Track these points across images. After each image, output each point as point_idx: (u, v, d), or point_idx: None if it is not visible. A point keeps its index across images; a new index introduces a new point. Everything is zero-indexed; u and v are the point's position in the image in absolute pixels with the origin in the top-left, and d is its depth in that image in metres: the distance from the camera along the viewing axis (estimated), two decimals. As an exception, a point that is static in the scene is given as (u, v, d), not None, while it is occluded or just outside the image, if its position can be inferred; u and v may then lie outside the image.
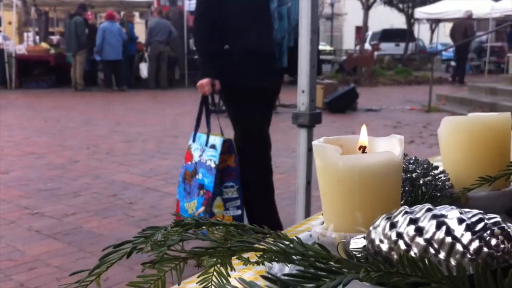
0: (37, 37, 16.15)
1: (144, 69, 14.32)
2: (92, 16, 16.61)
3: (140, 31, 16.45)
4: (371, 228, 0.50)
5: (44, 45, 15.11)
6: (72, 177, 5.37)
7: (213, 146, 3.33)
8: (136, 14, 17.08)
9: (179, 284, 0.54)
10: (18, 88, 13.86)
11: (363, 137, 0.60)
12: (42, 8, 16.69)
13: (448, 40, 19.19)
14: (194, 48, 3.60)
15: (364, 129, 0.61)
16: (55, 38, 16.38)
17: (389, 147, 0.58)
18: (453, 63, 17.61)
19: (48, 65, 14.34)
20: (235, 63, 3.13)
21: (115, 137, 7.61)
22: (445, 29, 26.05)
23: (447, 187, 0.68)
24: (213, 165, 3.24)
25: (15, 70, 13.91)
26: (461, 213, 0.47)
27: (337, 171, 0.56)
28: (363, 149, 0.59)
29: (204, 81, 3.16)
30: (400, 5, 27.42)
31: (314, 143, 0.59)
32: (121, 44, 13.60)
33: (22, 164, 5.89)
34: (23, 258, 3.35)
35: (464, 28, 15.71)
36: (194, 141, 3.52)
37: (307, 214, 2.69)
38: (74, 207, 4.38)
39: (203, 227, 0.55)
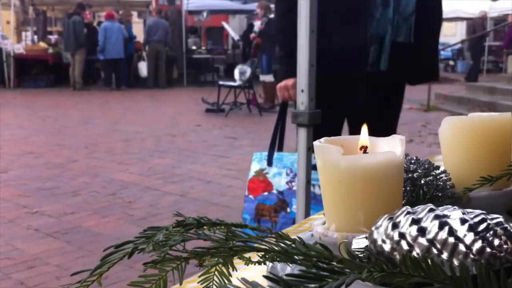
0: (35, 37, 16.14)
1: (143, 68, 14.32)
2: (90, 16, 16.60)
3: (139, 31, 16.44)
4: (373, 228, 0.50)
5: (42, 44, 15.09)
6: (71, 176, 5.36)
7: (313, 167, 2.46)
8: (134, 13, 17.06)
9: (180, 284, 0.54)
10: (16, 87, 13.84)
11: (364, 137, 0.60)
12: (40, 8, 16.67)
13: (447, 40, 19.20)
14: (278, 45, 2.67)
15: (364, 129, 0.61)
16: (53, 38, 16.35)
17: (391, 147, 0.58)
18: (469, 62, 17.57)
19: (46, 64, 14.33)
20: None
21: (114, 136, 7.60)
22: (443, 28, 26.04)
23: (448, 187, 0.67)
24: (318, 192, 2.51)
25: (13, 69, 13.90)
26: (463, 213, 0.46)
27: (339, 172, 0.55)
28: (364, 149, 0.59)
29: (290, 82, 2.44)
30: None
31: (315, 143, 0.58)
32: (122, 43, 13.62)
33: (20, 163, 5.88)
34: (22, 257, 3.35)
35: (473, 27, 15.81)
36: (271, 164, 2.75)
37: (307, 213, 2.69)
38: (73, 206, 4.37)
39: (205, 227, 0.55)
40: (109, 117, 9.41)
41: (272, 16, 11.09)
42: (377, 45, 2.33)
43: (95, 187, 4.95)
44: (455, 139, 0.73)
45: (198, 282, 0.57)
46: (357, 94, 2.37)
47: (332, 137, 0.61)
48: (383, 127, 2.44)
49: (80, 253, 3.41)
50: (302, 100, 2.49)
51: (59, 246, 3.55)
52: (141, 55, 14.64)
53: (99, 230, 3.84)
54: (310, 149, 2.59)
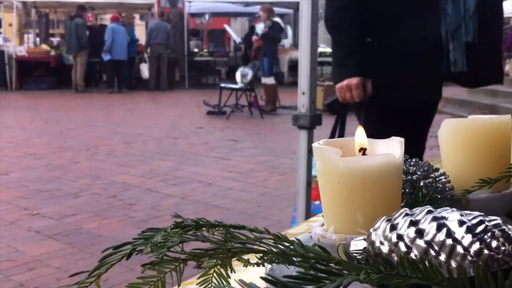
0: (38, 39, 16.16)
1: (145, 70, 14.34)
2: (92, 18, 16.62)
3: (141, 33, 16.45)
4: (371, 230, 0.50)
5: (44, 46, 15.11)
6: (72, 178, 5.37)
7: None
8: (137, 16, 17.09)
9: (179, 286, 0.54)
10: (18, 90, 13.86)
11: (363, 139, 0.60)
12: (43, 10, 16.69)
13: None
14: (336, 44, 2.30)
15: (360, 130, 0.61)
16: (55, 40, 16.38)
17: (390, 149, 0.58)
18: None
19: (49, 67, 14.34)
20: (380, 64, 2.22)
21: (115, 138, 7.61)
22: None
23: (447, 189, 0.67)
24: None
25: (15, 71, 13.91)
26: (461, 215, 0.46)
27: (338, 173, 0.56)
28: (363, 151, 0.59)
29: (353, 81, 2.18)
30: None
31: (314, 145, 0.59)
32: (127, 45, 13.67)
33: (22, 165, 5.89)
34: (23, 259, 3.35)
35: None
36: None
37: (307, 215, 2.69)
38: (74, 208, 4.38)
39: (203, 228, 0.55)
40: (110, 119, 9.42)
41: (275, 19, 11.12)
42: (455, 43, 2.18)
43: (96, 189, 4.95)
44: (455, 141, 0.73)
45: (197, 284, 0.58)
46: (433, 92, 2.31)
47: (331, 139, 0.61)
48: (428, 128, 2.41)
49: (80, 255, 3.41)
50: (303, 103, 2.49)
51: (60, 248, 3.55)
52: (142, 57, 14.66)
53: (100, 232, 3.84)
54: (310, 152, 2.59)
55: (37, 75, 14.45)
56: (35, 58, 14.28)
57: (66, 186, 5.05)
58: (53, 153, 6.56)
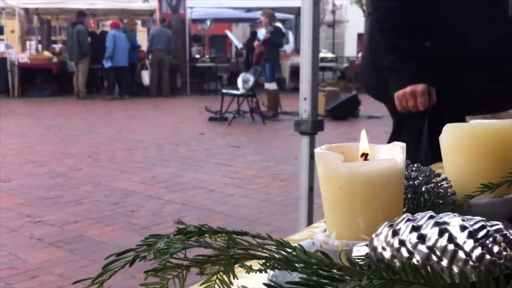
0: (40, 46, 16.20)
1: (146, 77, 14.36)
2: (94, 24, 16.65)
3: (142, 39, 16.50)
4: (373, 235, 0.50)
5: (46, 53, 15.15)
6: (74, 185, 5.37)
7: None
8: (138, 22, 17.13)
9: (181, 292, 0.54)
10: (20, 97, 13.89)
11: (365, 144, 0.60)
12: (45, 17, 16.74)
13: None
14: (385, 49, 2.03)
15: (364, 134, 0.61)
16: (57, 47, 16.42)
17: (391, 155, 0.58)
18: None
19: (51, 73, 14.38)
20: (437, 74, 2.01)
21: (117, 145, 7.62)
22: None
23: (449, 194, 0.68)
24: None
25: (17, 78, 13.94)
26: (463, 220, 0.47)
27: (339, 179, 0.56)
28: (365, 156, 0.59)
29: (419, 87, 1.97)
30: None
31: (316, 150, 0.59)
32: (128, 51, 13.70)
33: (24, 172, 5.89)
34: (25, 266, 3.35)
35: None
36: None
37: (310, 221, 2.69)
38: (76, 215, 4.38)
39: (206, 234, 0.55)
40: (112, 126, 9.43)
41: (277, 24, 11.13)
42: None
43: (98, 196, 4.96)
44: (456, 146, 0.73)
45: (199, 290, 0.58)
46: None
47: (333, 144, 0.62)
48: None
49: (83, 262, 3.41)
50: (305, 108, 2.50)
51: (62, 255, 3.55)
52: (144, 63, 14.69)
53: (102, 239, 3.84)
54: (312, 157, 2.59)
55: (39, 82, 14.49)
56: (37, 65, 14.32)
57: (68, 193, 5.05)
58: (55, 160, 6.57)
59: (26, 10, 15.38)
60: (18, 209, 4.53)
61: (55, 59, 14.60)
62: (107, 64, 13.57)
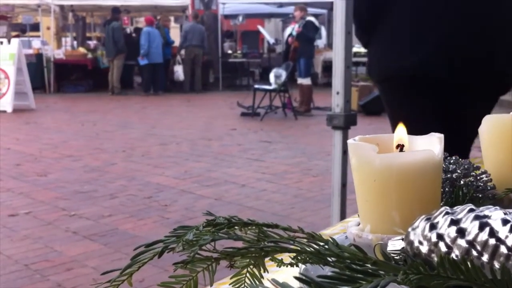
0: (75, 42, 16.46)
1: (179, 72, 14.45)
2: (128, 21, 16.83)
3: (175, 36, 16.60)
4: (409, 229, 0.48)
5: (81, 49, 15.38)
6: (108, 179, 5.43)
7: None
8: (171, 18, 17.25)
9: (211, 285, 0.53)
10: (56, 92, 14.13)
11: (402, 134, 0.58)
12: (79, 13, 17.00)
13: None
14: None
15: (401, 127, 0.59)
16: (92, 43, 16.66)
17: (429, 146, 0.56)
18: None
19: (86, 69, 14.59)
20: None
21: (150, 140, 7.68)
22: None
23: (489, 188, 0.65)
24: None
25: (53, 74, 14.19)
26: (505, 213, 0.44)
27: (374, 170, 0.54)
28: (400, 147, 0.57)
29: None
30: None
31: (349, 141, 0.57)
32: (161, 48, 13.81)
33: (59, 167, 5.99)
34: (60, 259, 3.40)
35: None
36: None
37: (342, 217, 2.66)
38: (110, 209, 4.43)
39: (236, 226, 0.54)
40: (146, 122, 9.52)
41: (309, 18, 11.06)
42: None
43: (132, 190, 5.01)
44: (496, 138, 0.70)
45: (230, 284, 0.56)
46: None
47: (367, 135, 0.60)
48: None
49: (116, 256, 3.45)
50: (338, 103, 2.47)
51: (96, 248, 3.59)
52: (176, 59, 14.77)
53: (136, 233, 3.88)
54: (345, 152, 2.56)
55: (74, 78, 14.71)
56: (72, 61, 14.54)
57: (102, 188, 5.11)
58: (90, 155, 6.66)
59: (61, 7, 15.62)
60: (54, 203, 4.61)
61: (90, 55, 14.80)
62: (142, 61, 13.69)
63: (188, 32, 14.11)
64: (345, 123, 2.56)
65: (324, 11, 16.88)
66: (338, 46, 2.44)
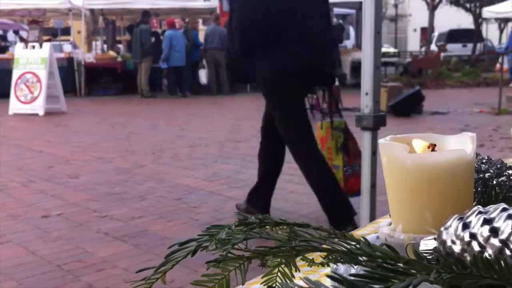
0: (105, 45, 16.67)
1: (202, 75, 14.53)
2: (157, 24, 16.98)
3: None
4: (442, 228, 0.48)
5: (111, 53, 15.58)
6: (138, 181, 5.49)
7: None
8: (200, 21, 17.35)
9: (243, 284, 0.54)
10: (87, 95, 14.33)
11: (433, 134, 0.58)
12: (109, 17, 17.22)
13: None
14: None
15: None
16: (121, 46, 16.87)
17: (460, 145, 0.56)
18: None
19: (116, 73, 14.77)
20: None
21: (179, 142, 7.74)
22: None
23: (522, 187, 0.64)
24: None
25: (84, 78, 14.39)
26: (539, 213, 0.44)
27: (405, 170, 0.54)
28: (432, 147, 0.57)
29: None
30: (467, 5, 26.71)
31: (380, 141, 0.57)
32: (185, 50, 13.88)
33: (90, 169, 6.08)
34: (92, 260, 3.45)
35: None
36: None
37: (372, 218, 2.65)
38: (140, 210, 4.47)
39: (267, 226, 0.54)
40: (174, 124, 9.59)
41: (335, 20, 11.02)
42: None
43: (161, 192, 5.05)
44: (529, 138, 0.69)
45: (261, 283, 0.57)
46: None
47: (398, 135, 0.60)
48: None
49: (147, 257, 3.48)
50: (367, 103, 2.46)
51: (127, 249, 3.63)
52: (201, 62, 14.85)
53: (165, 234, 3.91)
54: (374, 153, 2.55)
55: (104, 81, 14.91)
56: (102, 65, 14.73)
57: (132, 189, 5.17)
58: (120, 157, 6.74)
59: (92, 11, 15.85)
60: (85, 204, 4.67)
61: (119, 59, 14.98)
62: (163, 65, 13.82)
63: (208, 35, 14.16)
64: (374, 124, 2.55)
65: (352, 11, 16.78)
66: (367, 47, 2.42)
